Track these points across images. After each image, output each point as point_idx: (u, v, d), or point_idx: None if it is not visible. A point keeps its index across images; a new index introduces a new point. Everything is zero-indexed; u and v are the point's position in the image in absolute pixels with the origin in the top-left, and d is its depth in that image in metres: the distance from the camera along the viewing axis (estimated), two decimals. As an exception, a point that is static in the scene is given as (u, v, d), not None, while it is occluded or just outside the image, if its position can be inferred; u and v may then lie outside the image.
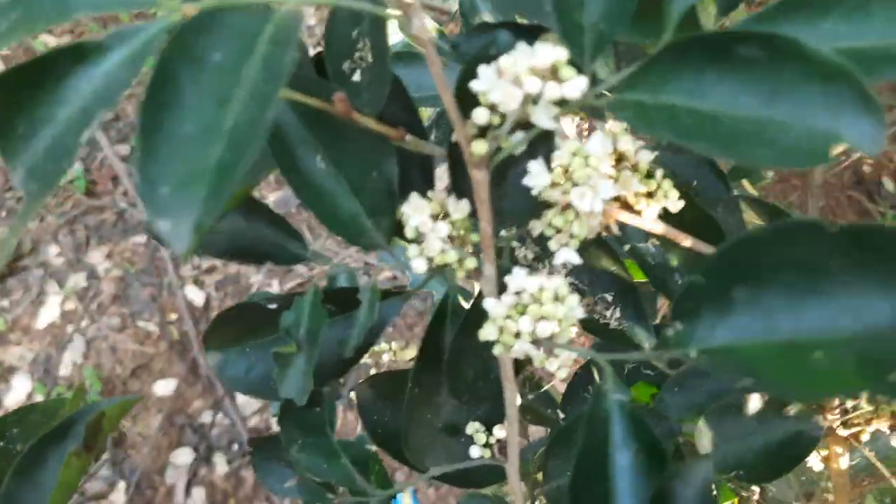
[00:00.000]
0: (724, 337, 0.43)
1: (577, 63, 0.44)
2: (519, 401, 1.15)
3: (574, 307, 0.49)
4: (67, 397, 0.63)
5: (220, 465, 2.21)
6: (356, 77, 0.55)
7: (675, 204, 0.59)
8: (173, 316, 2.39)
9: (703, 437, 0.56)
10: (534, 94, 0.42)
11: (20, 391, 2.33)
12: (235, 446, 2.24)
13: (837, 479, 0.72)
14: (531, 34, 0.58)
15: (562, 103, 0.44)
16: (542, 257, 0.69)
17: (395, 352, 1.15)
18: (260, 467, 0.62)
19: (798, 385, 0.39)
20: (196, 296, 2.43)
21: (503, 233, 0.68)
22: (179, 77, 0.34)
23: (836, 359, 0.39)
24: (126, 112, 2.77)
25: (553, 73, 0.43)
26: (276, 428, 0.65)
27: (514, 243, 0.70)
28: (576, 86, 0.42)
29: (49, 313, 2.41)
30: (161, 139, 0.33)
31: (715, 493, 0.70)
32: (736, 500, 0.78)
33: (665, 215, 0.61)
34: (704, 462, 0.41)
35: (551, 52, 0.42)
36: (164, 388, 2.30)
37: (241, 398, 2.31)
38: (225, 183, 0.32)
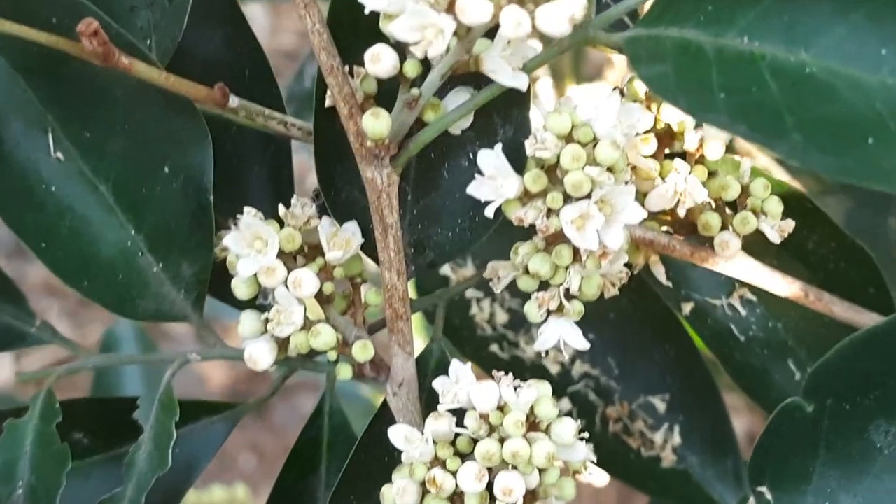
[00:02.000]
0: None
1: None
2: None
3: (570, 442, 0.52)
4: None
5: None
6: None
7: (780, 226, 0.62)
8: None
9: None
10: (478, 23, 0.45)
11: None
12: None
13: None
14: None
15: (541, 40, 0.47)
16: (522, 323, 0.74)
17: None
18: None
19: None
20: None
21: (447, 274, 0.70)
22: None
23: None
24: None
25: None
26: None
27: (473, 294, 0.73)
28: (562, 10, 0.44)
29: None
30: None
31: None
32: None
33: (764, 247, 0.64)
34: None
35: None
36: None
37: None
38: None
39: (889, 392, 0.47)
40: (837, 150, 0.42)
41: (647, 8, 0.48)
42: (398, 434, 0.53)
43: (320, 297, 0.55)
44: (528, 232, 0.54)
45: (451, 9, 0.45)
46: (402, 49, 0.47)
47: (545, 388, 0.52)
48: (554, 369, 0.74)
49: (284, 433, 2.17)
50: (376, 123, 0.49)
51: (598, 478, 0.54)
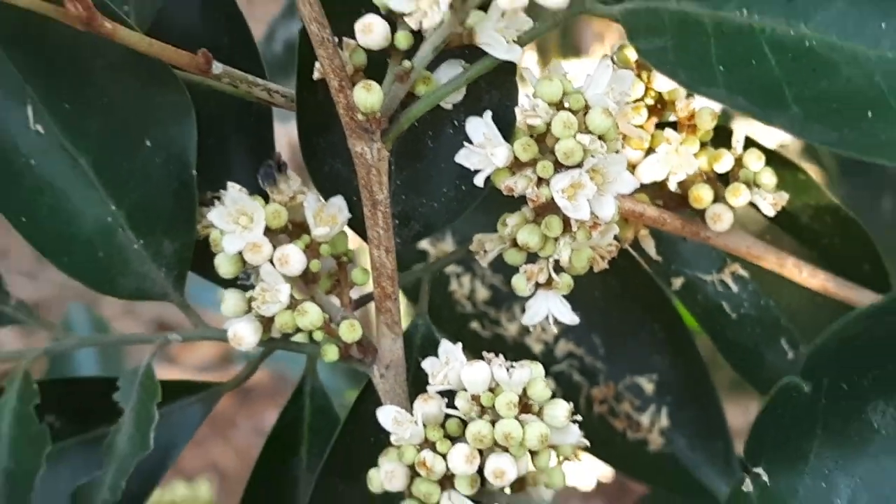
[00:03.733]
0: (849, 497, 0.49)
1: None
2: None
3: (562, 424, 0.54)
4: None
5: None
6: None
7: (773, 198, 0.65)
8: None
9: None
10: None
11: None
12: None
13: None
14: None
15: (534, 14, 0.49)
16: (504, 300, 0.77)
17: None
18: None
19: None
20: None
21: (425, 249, 0.72)
22: None
23: None
24: None
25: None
26: None
27: (452, 270, 0.75)
28: None
29: None
30: None
31: None
32: None
33: (757, 222, 0.68)
34: None
35: None
36: None
37: None
38: None
39: (887, 372, 0.49)
40: (837, 123, 0.44)
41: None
42: (387, 415, 0.55)
43: (306, 275, 0.57)
44: (512, 205, 0.56)
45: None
46: (392, 20, 0.50)
47: (537, 368, 0.55)
48: (537, 348, 0.75)
49: (248, 454, 2.13)
50: (368, 97, 0.50)
51: (585, 477, 0.56)
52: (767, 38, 0.46)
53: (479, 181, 0.54)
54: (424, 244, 0.76)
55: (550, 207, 0.54)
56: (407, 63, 0.51)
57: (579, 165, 0.53)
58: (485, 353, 0.55)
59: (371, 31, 0.50)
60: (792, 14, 0.46)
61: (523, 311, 0.60)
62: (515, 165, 0.54)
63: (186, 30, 0.64)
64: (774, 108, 0.46)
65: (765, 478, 0.51)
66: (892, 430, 0.49)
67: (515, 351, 0.75)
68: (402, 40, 0.50)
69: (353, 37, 0.52)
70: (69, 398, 0.67)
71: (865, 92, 0.45)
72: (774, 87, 0.46)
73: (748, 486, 0.52)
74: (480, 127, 0.53)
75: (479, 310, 0.74)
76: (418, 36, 0.50)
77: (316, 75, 0.54)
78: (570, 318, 0.58)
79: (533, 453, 0.54)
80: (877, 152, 0.44)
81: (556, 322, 0.59)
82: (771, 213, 0.65)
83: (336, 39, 0.52)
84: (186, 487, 1.18)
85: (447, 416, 0.54)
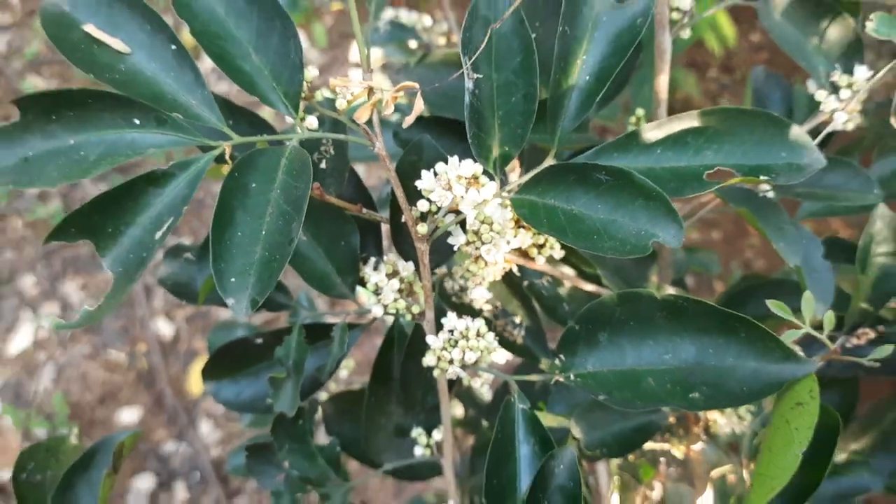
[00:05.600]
0: (592, 366, 0.55)
1: (489, 172, 0.58)
2: (461, 412, 1.20)
3: (492, 342, 0.60)
4: (64, 435, 0.67)
5: (181, 491, 2.03)
6: (322, 165, 0.64)
7: (559, 252, 0.69)
8: (143, 347, 2.24)
9: (574, 428, 0.67)
10: (461, 195, 0.55)
11: (-9, 414, 2.27)
12: (197, 474, 2.04)
13: (696, 464, 0.85)
14: (452, 129, 0.68)
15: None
16: (465, 289, 0.76)
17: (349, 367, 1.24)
18: (253, 469, 0.71)
19: (634, 399, 0.53)
20: (166, 329, 2.27)
21: (436, 271, 0.74)
22: (233, 201, 0.47)
23: (659, 383, 0.53)
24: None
25: (474, 180, 0.56)
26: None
27: (446, 277, 0.77)
28: (489, 190, 0.56)
29: (22, 340, 2.21)
30: (225, 246, 0.46)
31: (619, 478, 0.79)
32: (653, 472, 0.89)
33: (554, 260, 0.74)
34: (569, 448, 0.54)
35: (472, 166, 0.56)
36: (129, 416, 2.14)
37: (204, 428, 2.11)
38: (266, 272, 0.45)
39: (602, 323, 0.53)
40: (584, 240, 0.49)
41: (520, 185, 0.56)
42: (430, 339, 0.59)
43: (400, 290, 0.63)
44: (468, 255, 0.59)
45: (450, 189, 0.54)
46: (430, 201, 0.55)
47: (482, 321, 0.59)
48: (477, 306, 0.74)
49: (367, 354, 2.02)
50: (422, 229, 0.56)
51: (501, 357, 0.61)
52: (560, 209, 0.51)
53: (455, 248, 0.57)
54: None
55: (480, 257, 0.59)
56: (435, 216, 0.56)
57: (490, 242, 0.57)
58: (463, 315, 0.59)
59: (423, 205, 0.54)
60: (569, 200, 0.51)
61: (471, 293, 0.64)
62: (468, 243, 0.57)
63: (351, 194, 0.65)
64: (562, 236, 0.50)
65: (563, 358, 0.55)
66: (606, 343, 0.53)
67: (469, 307, 0.74)
68: (434, 209, 0.55)
69: (416, 204, 0.55)
70: (311, 332, 0.69)
71: (593, 227, 0.50)
72: (562, 227, 0.50)
73: (557, 362, 0.55)
74: (457, 231, 0.57)
75: (455, 292, 0.73)
76: (439, 207, 0.54)
77: (402, 220, 0.58)
78: (488, 295, 0.63)
79: (482, 352, 0.58)
80: (600, 251, 0.49)
81: (483, 298, 0.63)
82: (559, 257, 0.67)
83: (411, 207, 0.56)
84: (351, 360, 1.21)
85: (450, 338, 0.58)
